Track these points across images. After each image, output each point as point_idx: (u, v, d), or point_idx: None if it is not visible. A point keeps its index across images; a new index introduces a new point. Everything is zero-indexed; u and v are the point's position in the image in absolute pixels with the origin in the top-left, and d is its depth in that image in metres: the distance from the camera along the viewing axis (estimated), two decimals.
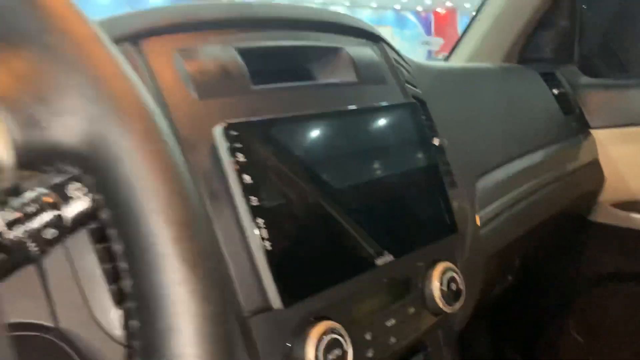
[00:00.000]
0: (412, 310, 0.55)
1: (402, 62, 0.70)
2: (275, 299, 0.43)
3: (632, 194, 1.09)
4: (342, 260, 0.49)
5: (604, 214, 1.11)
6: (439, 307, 0.56)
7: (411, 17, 18.79)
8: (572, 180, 1.04)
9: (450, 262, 0.59)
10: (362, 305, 0.51)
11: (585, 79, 1.17)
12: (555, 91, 1.09)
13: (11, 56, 0.22)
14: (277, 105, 0.50)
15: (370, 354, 0.50)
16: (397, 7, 18.02)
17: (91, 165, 0.23)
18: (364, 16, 17.80)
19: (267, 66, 0.53)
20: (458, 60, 1.18)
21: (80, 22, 0.24)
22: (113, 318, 0.39)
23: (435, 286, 0.56)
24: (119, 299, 0.38)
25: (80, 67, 0.23)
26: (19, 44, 0.22)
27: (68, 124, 0.22)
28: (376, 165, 0.55)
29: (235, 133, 0.44)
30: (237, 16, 0.52)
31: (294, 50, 0.56)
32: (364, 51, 0.63)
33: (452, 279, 0.57)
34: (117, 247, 0.23)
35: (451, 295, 0.57)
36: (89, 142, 0.23)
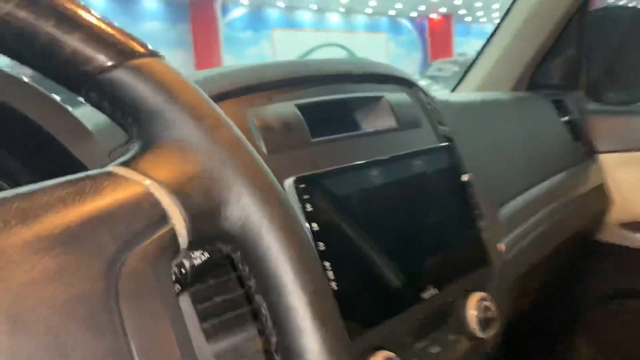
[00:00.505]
0: (452, 337, 0.61)
1: (432, 103, 0.76)
2: None
3: (637, 215, 1.15)
4: (394, 295, 0.55)
5: (612, 235, 1.18)
6: (476, 334, 0.62)
7: (406, 23, 18.96)
8: (582, 204, 1.10)
9: (484, 291, 0.64)
10: (410, 335, 0.56)
11: (592, 105, 1.24)
12: (566, 118, 1.16)
13: (182, 160, 0.28)
14: (334, 155, 0.56)
15: None
16: (392, 13, 18.18)
17: (240, 244, 0.29)
18: (359, 22, 17.93)
19: (320, 118, 0.59)
20: (468, 88, 1.24)
21: (231, 130, 0.30)
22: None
23: (472, 314, 0.62)
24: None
25: (235, 168, 0.29)
26: (188, 150, 0.28)
27: (228, 214, 0.28)
28: (418, 205, 0.61)
29: (303, 185, 0.49)
30: (295, 75, 0.58)
31: (343, 102, 0.62)
32: (401, 97, 0.69)
33: (486, 308, 0.63)
34: (262, 311, 0.29)
35: (486, 322, 0.63)
36: (240, 225, 0.28)
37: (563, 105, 1.18)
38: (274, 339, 0.29)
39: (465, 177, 0.72)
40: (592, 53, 1.28)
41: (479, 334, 0.62)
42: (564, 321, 1.24)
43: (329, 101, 0.60)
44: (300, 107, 0.56)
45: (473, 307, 0.62)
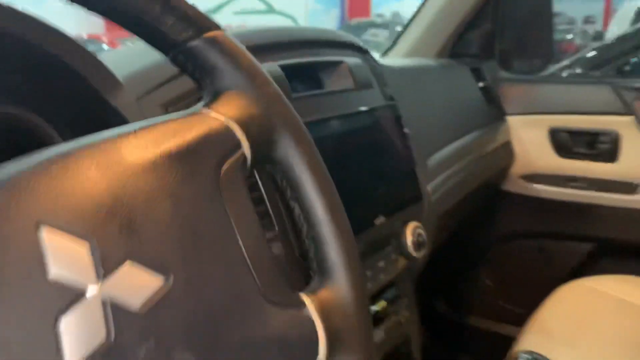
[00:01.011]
0: (394, 256, 0.77)
1: (379, 67, 0.90)
2: None
3: (535, 168, 1.38)
4: (355, 220, 0.69)
5: (514, 185, 1.40)
6: (411, 253, 0.78)
7: None
8: (491, 158, 1.30)
9: (418, 221, 0.81)
10: (365, 252, 0.72)
11: (503, 74, 1.43)
12: (481, 84, 1.34)
13: (245, 105, 0.40)
14: (308, 109, 0.69)
15: (369, 286, 0.72)
16: None
17: (283, 166, 0.41)
18: None
19: (294, 78, 0.71)
20: (398, 54, 1.39)
21: (274, 86, 0.42)
22: None
23: (409, 238, 0.78)
24: None
25: (279, 115, 0.41)
26: (248, 98, 0.40)
27: (276, 145, 0.41)
28: (371, 152, 0.76)
29: None
30: (278, 40, 0.70)
31: (314, 64, 0.75)
32: (356, 62, 0.82)
33: (419, 234, 0.80)
34: (296, 211, 0.42)
35: (419, 245, 0.79)
36: (284, 154, 0.41)
37: (479, 73, 1.37)
38: (304, 229, 0.42)
39: (406, 130, 0.88)
40: (505, 26, 1.47)
41: (414, 253, 0.78)
42: (469, 256, 1.47)
43: (304, 63, 0.72)
44: (283, 67, 0.68)
45: (410, 233, 0.79)
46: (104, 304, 0.27)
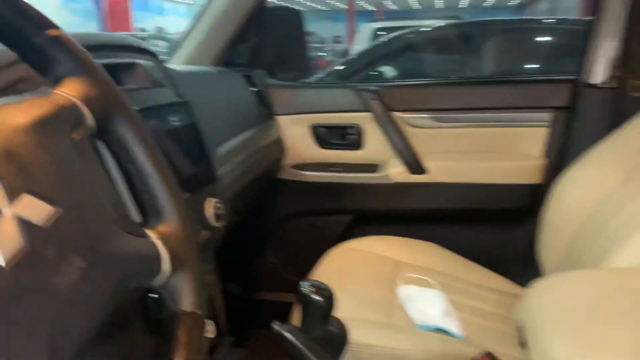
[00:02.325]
0: (198, 226, 0.92)
1: (168, 70, 1.03)
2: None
3: (303, 159, 1.65)
4: None
5: (287, 173, 1.65)
6: (212, 224, 0.94)
7: None
8: (267, 151, 1.52)
9: (216, 197, 0.97)
10: None
11: (271, 80, 1.68)
12: (254, 88, 1.56)
13: (85, 87, 0.51)
14: None
15: None
16: None
17: (118, 136, 0.54)
18: None
19: None
20: (177, 61, 1.54)
21: (105, 74, 0.54)
22: None
23: (210, 211, 0.94)
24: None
25: (112, 97, 0.53)
26: (87, 83, 0.52)
27: (112, 120, 0.53)
28: (173, 140, 0.89)
29: None
30: (91, 43, 0.79)
31: (117, 65, 0.85)
32: (150, 64, 0.95)
33: (218, 207, 0.96)
34: (132, 171, 0.55)
35: (218, 216, 0.95)
36: (119, 127, 0.54)
37: (251, 79, 1.58)
38: (138, 184, 0.55)
39: (197, 123, 1.03)
40: (267, 42, 1.72)
41: (214, 223, 0.94)
42: (258, 236, 1.68)
43: (112, 64, 0.82)
44: None
45: (210, 207, 0.94)
46: (16, 219, 0.38)
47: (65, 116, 0.47)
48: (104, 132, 0.53)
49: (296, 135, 1.64)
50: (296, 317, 0.97)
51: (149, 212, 0.55)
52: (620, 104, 1.43)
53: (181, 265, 0.53)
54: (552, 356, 0.67)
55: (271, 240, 1.69)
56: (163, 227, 0.53)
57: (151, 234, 0.52)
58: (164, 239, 0.51)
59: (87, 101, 0.50)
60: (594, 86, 1.45)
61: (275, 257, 1.70)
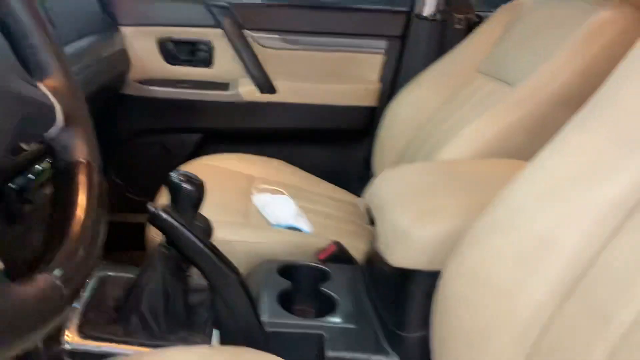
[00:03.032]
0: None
1: None
2: None
3: (150, 74, 1.59)
4: None
5: (132, 88, 1.58)
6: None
7: None
8: (109, 63, 1.44)
9: None
10: None
11: None
12: None
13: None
14: None
15: None
16: None
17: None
18: None
19: None
20: None
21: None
22: None
23: None
24: None
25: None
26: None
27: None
28: None
29: None
30: None
31: None
32: None
33: None
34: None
35: None
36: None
37: None
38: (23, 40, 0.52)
39: None
40: None
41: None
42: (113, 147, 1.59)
43: None
44: None
45: None
46: None
47: None
48: None
49: (142, 48, 1.57)
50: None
51: (35, 68, 0.53)
52: (444, 35, 1.62)
53: (73, 118, 0.53)
54: (397, 225, 0.80)
55: (114, 160, 1.63)
56: (50, 81, 0.52)
57: (41, 86, 0.51)
58: (54, 92, 0.51)
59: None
60: (424, 18, 1.62)
61: (120, 177, 1.64)
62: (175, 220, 0.76)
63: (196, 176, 0.85)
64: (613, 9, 1.08)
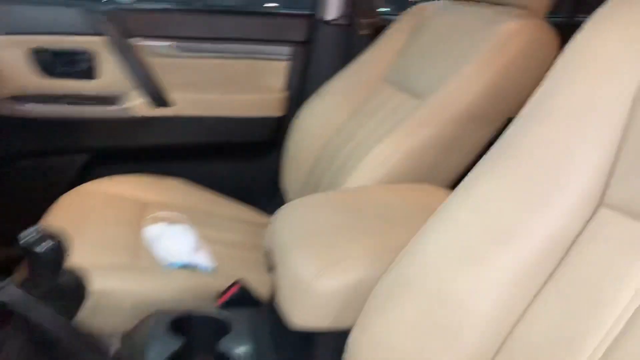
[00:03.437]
0: None
1: None
2: None
3: (22, 89, 1.39)
4: None
5: (2, 107, 1.37)
6: None
7: None
8: None
9: None
10: None
11: None
12: None
13: None
14: None
15: None
16: None
17: None
18: None
19: None
20: None
21: None
22: None
23: None
24: None
25: None
26: None
27: None
28: None
29: None
30: None
31: None
32: None
33: None
34: None
35: None
36: None
37: None
38: None
39: None
40: None
41: None
42: None
43: None
44: None
45: None
46: None
47: None
48: None
49: (11, 60, 1.37)
50: (22, 272, 0.83)
51: None
52: (350, 41, 1.54)
53: None
54: (299, 276, 0.70)
55: None
56: None
57: None
58: None
59: None
60: (328, 22, 1.53)
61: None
62: (24, 300, 0.61)
63: (53, 231, 0.70)
64: (519, 19, 1.03)
